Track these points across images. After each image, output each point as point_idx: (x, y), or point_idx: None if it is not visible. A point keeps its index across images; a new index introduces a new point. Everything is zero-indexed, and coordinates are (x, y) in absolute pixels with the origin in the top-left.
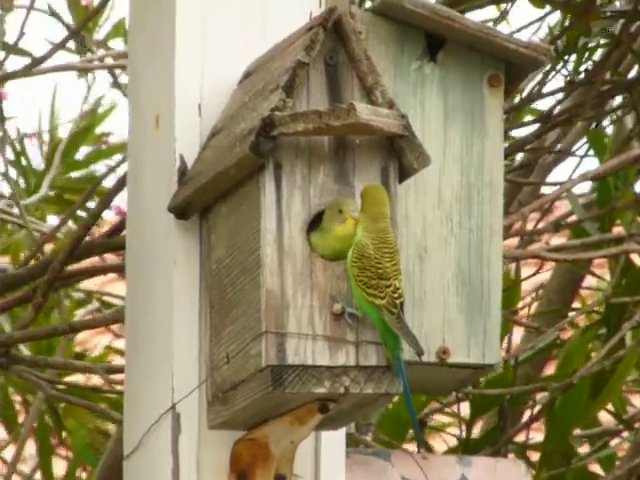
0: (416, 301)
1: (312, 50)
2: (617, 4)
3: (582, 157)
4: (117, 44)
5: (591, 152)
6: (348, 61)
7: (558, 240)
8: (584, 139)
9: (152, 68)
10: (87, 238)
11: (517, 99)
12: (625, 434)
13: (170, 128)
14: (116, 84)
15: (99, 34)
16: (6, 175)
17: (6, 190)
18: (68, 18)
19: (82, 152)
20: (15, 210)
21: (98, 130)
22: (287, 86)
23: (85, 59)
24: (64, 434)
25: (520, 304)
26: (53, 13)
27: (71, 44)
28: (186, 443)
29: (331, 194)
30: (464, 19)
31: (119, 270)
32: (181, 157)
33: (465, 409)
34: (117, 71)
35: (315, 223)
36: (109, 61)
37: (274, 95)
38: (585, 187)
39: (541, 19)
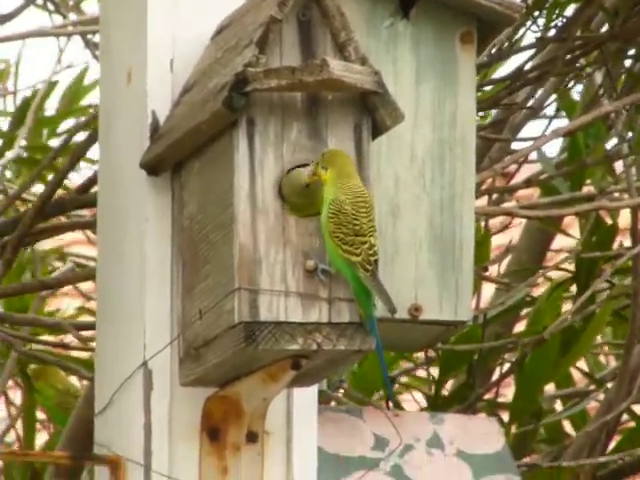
0: (388, 258)
1: (285, 6)
2: None
3: (552, 118)
4: (92, 4)
5: (561, 111)
6: (321, 17)
7: (528, 200)
8: (554, 97)
9: (124, 23)
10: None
11: (487, 56)
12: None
13: (142, 84)
14: (88, 47)
15: None
16: None
17: None
18: None
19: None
20: None
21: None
22: (260, 42)
23: (58, 25)
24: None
25: (490, 261)
26: None
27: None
28: (158, 400)
29: (304, 151)
30: None
31: (89, 227)
32: (153, 113)
33: (435, 369)
34: (89, 35)
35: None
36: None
37: (247, 51)
38: (554, 148)
39: None
